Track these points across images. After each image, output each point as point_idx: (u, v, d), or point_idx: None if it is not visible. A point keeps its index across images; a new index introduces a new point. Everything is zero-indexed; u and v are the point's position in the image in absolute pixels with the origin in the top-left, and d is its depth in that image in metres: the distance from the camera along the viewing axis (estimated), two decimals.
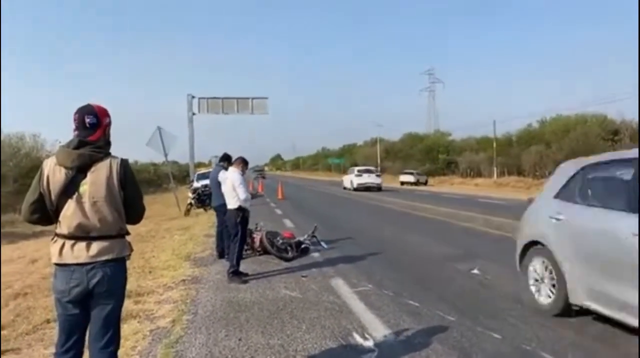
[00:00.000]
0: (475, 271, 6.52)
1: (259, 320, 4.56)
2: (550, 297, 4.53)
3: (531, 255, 4.89)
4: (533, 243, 4.85)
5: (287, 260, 7.46)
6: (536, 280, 4.76)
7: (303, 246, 8.09)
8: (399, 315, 4.65)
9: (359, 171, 32.17)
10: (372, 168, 35.37)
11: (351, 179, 31.74)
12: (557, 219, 4.50)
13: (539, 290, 4.71)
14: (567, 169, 4.94)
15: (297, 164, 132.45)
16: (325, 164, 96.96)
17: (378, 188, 30.66)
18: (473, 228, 11.39)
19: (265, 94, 26.86)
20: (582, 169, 4.58)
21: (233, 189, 6.41)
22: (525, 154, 46.17)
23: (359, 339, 3.99)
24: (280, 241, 7.92)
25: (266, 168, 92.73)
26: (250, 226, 7.69)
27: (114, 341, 2.64)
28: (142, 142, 17.59)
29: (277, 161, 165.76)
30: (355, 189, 30.37)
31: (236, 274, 6.25)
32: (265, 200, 22.16)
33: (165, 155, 17.96)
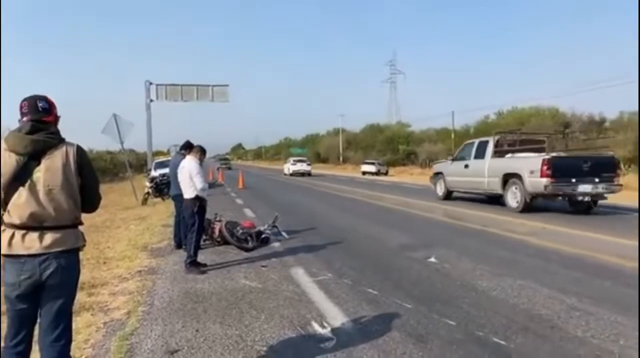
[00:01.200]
0: (432, 259, 6.67)
1: (217, 311, 4.51)
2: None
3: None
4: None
5: (247, 250, 7.40)
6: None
7: (263, 236, 8.04)
8: (357, 303, 4.71)
9: (294, 161, 41.86)
10: (304, 158, 44.63)
11: (288, 167, 40.88)
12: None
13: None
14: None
15: (259, 153, 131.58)
16: (288, 154, 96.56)
17: (308, 174, 39.31)
18: (432, 218, 11.63)
19: (226, 82, 26.37)
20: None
21: (190, 178, 6.29)
22: None
23: (317, 328, 4.02)
24: (240, 231, 7.84)
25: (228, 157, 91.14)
26: (210, 216, 7.59)
27: (66, 335, 2.56)
28: (98, 129, 17.04)
29: (238, 150, 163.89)
30: (291, 174, 38.89)
31: (194, 265, 6.16)
32: (225, 189, 21.90)
33: (122, 142, 17.43)
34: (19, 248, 2.38)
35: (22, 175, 2.39)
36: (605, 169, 12.01)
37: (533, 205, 12.22)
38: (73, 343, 3.69)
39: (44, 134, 2.46)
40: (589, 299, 4.79)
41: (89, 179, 2.59)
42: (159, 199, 16.40)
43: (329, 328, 3.99)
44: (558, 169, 11.51)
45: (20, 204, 2.39)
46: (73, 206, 2.51)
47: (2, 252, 2.41)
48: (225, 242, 7.64)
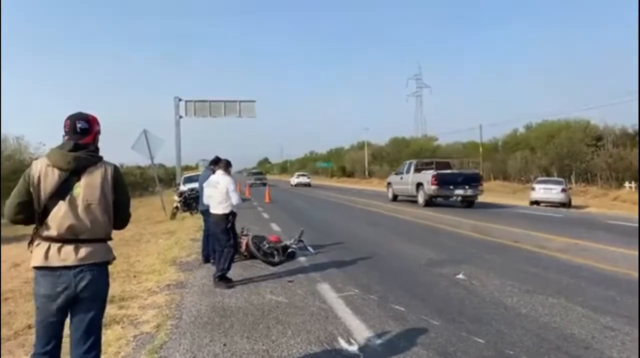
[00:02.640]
0: (461, 276, 6.57)
1: (244, 326, 4.54)
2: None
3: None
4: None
5: (274, 264, 7.44)
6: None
7: (290, 250, 8.07)
8: (384, 320, 4.67)
9: (298, 175, 54.84)
10: (305, 173, 58.42)
11: (293, 179, 52.60)
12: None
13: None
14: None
15: (284, 168, 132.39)
16: (313, 168, 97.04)
17: (308, 185, 49.38)
18: (459, 233, 11.47)
19: (253, 97, 26.79)
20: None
21: (227, 193, 6.28)
22: (510, 159, 46.67)
23: (344, 344, 4.00)
24: (267, 245, 7.90)
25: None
26: (237, 230, 7.67)
27: (96, 347, 2.62)
28: (129, 145, 17.47)
29: (264, 164, 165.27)
30: (295, 185, 48.92)
31: (222, 279, 6.22)
32: (252, 203, 22.09)
33: (152, 158, 17.82)
34: (55, 261, 2.47)
35: (63, 190, 2.50)
36: (472, 180, 19.37)
37: (433, 202, 19.62)
38: (104, 356, 3.79)
39: (85, 152, 2.58)
40: (624, 318, 4.64)
41: (121, 197, 2.71)
42: (187, 214, 16.66)
43: (355, 345, 3.97)
44: (441, 181, 18.86)
45: (59, 217, 2.48)
46: (107, 221, 2.62)
47: (38, 264, 2.49)
48: (252, 257, 7.70)
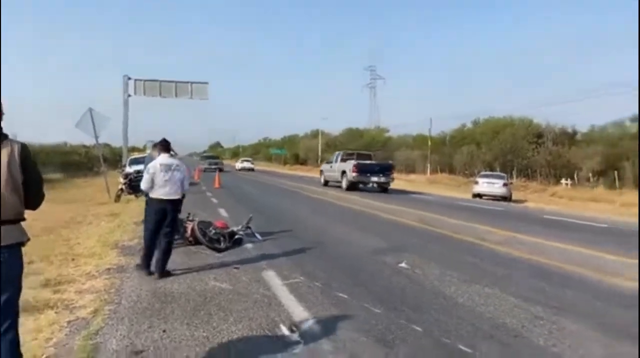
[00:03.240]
0: (403, 265, 6.74)
1: (184, 312, 4.47)
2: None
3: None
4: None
5: (219, 251, 7.35)
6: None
7: (236, 237, 8.00)
8: (327, 307, 4.73)
9: (242, 160, 58.95)
10: (249, 159, 62.02)
11: (238, 164, 56.70)
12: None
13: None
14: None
15: (236, 153, 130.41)
16: (266, 154, 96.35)
17: (252, 170, 51.66)
18: (403, 223, 11.75)
19: (206, 79, 26.14)
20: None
21: (182, 178, 6.01)
22: (457, 153, 48.18)
23: (285, 331, 4.02)
24: (213, 231, 7.78)
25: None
26: (183, 215, 7.52)
27: (13, 328, 2.56)
28: (73, 123, 16.70)
29: (216, 148, 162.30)
30: (239, 170, 51.48)
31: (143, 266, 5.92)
32: (201, 188, 21.69)
33: (96, 137, 17.10)
34: None
35: None
36: (386, 169, 23.51)
37: (354, 187, 22.78)
38: (34, 342, 3.64)
39: None
40: (553, 308, 4.92)
41: (32, 175, 2.62)
42: (132, 196, 16.14)
43: (297, 332, 4.00)
44: (360, 169, 22.49)
45: None
46: (17, 201, 2.53)
47: None
48: (197, 242, 7.57)
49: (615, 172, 32.92)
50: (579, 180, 35.68)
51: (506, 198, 24.37)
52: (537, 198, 28.16)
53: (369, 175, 22.70)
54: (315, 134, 77.80)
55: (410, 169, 52.32)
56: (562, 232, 11.09)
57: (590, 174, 35.92)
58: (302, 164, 75.03)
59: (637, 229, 11.49)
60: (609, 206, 23.50)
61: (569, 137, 43.11)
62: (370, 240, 8.94)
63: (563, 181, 35.15)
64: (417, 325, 4.24)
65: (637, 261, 7.23)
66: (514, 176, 39.10)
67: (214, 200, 15.93)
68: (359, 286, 5.57)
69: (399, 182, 29.80)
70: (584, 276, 6.59)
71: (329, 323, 4.24)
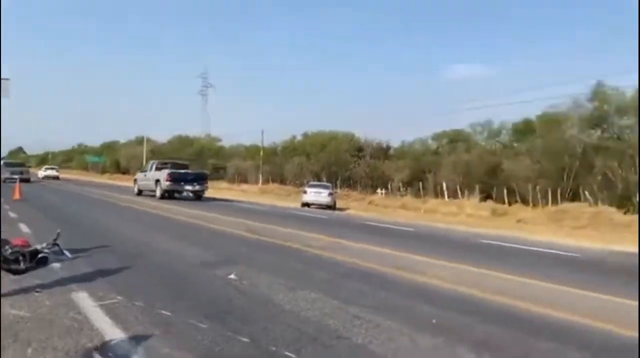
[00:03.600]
0: (232, 276, 6.63)
1: None
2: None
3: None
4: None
5: (18, 272, 6.30)
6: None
7: (40, 256, 6.95)
8: (148, 327, 4.36)
9: (45, 168, 57.03)
10: (55, 167, 59.81)
11: (41, 172, 54.14)
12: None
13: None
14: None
15: (45, 159, 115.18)
16: (82, 162, 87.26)
17: (57, 178, 50.13)
18: (230, 233, 11.66)
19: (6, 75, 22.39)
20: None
21: None
22: (288, 163, 50.05)
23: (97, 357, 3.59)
24: (10, 250, 6.64)
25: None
26: None
27: None
28: None
29: (18, 154, 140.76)
30: (43, 178, 48.56)
31: None
32: None
33: None
34: None
35: None
36: (201, 178, 24.97)
37: (167, 195, 23.35)
38: None
39: None
40: (370, 308, 5.31)
41: None
42: None
43: None
44: (174, 178, 23.31)
45: None
46: None
47: None
48: None
49: (420, 183, 37.79)
50: (392, 189, 40.00)
51: (331, 206, 26.04)
52: (357, 206, 30.69)
53: (182, 183, 23.55)
54: (140, 141, 73.05)
55: (242, 179, 52.59)
56: (378, 237, 12.19)
57: (401, 184, 40.61)
58: (124, 173, 69.68)
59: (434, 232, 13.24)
60: (414, 213, 26.75)
61: (384, 152, 48.18)
62: (196, 251, 8.62)
63: (379, 191, 39.09)
64: (244, 336, 4.17)
65: (437, 260, 8.28)
66: (339, 186, 42.06)
67: (13, 215, 13.76)
68: (184, 301, 5.29)
69: (233, 192, 29.88)
70: (397, 276, 7.29)
71: (150, 344, 3.91)
